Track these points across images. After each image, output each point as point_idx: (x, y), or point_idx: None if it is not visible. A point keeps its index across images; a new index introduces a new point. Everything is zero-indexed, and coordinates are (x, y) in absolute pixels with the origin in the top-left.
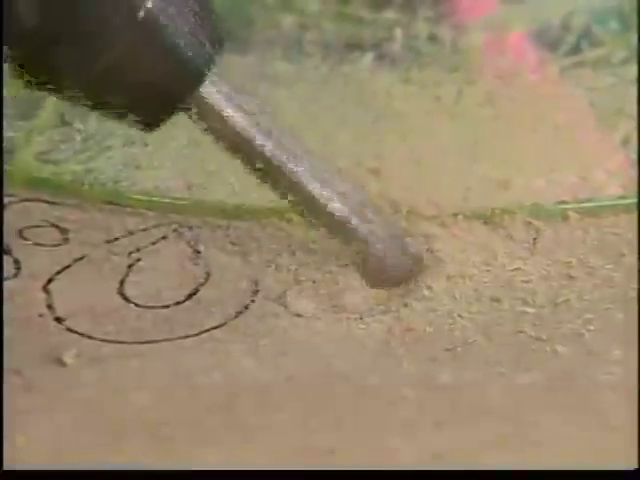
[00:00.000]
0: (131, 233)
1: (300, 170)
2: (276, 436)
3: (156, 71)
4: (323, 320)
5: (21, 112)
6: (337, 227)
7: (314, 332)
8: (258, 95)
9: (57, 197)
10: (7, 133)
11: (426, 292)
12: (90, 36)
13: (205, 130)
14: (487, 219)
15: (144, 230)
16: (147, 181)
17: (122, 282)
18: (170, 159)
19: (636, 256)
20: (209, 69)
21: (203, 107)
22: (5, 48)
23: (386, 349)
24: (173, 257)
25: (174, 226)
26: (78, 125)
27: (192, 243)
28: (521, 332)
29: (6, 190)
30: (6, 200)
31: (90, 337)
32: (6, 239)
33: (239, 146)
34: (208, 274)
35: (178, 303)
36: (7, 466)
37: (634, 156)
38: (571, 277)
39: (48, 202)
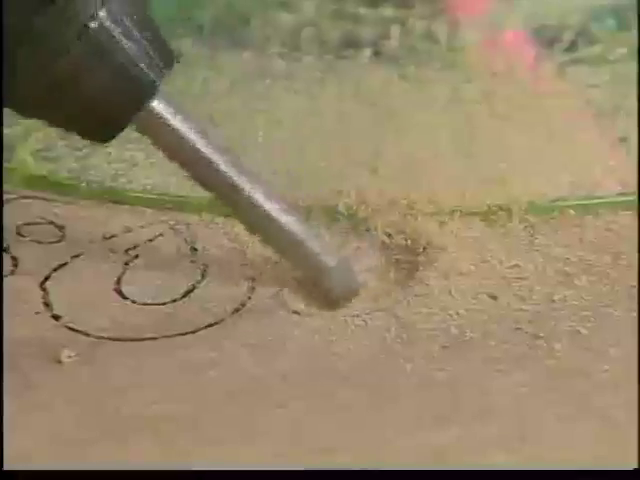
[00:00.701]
0: (128, 230)
1: (256, 187)
2: (274, 435)
3: (107, 83)
4: (320, 317)
5: None
6: (293, 247)
7: (312, 329)
8: (256, 92)
9: (54, 194)
10: (5, 130)
11: (423, 289)
12: (42, 44)
13: (154, 145)
14: (484, 216)
15: (141, 227)
16: (144, 178)
17: (119, 279)
18: None
19: (633, 254)
20: (159, 83)
21: (154, 121)
22: None
23: (384, 346)
24: (170, 254)
25: (171, 223)
26: None
27: (189, 240)
28: (518, 329)
29: (4, 187)
30: (4, 197)
31: (87, 334)
32: (3, 236)
33: (189, 160)
34: (205, 271)
35: (175, 300)
36: (7, 466)
37: (632, 153)
38: (568, 274)
39: (45, 199)
